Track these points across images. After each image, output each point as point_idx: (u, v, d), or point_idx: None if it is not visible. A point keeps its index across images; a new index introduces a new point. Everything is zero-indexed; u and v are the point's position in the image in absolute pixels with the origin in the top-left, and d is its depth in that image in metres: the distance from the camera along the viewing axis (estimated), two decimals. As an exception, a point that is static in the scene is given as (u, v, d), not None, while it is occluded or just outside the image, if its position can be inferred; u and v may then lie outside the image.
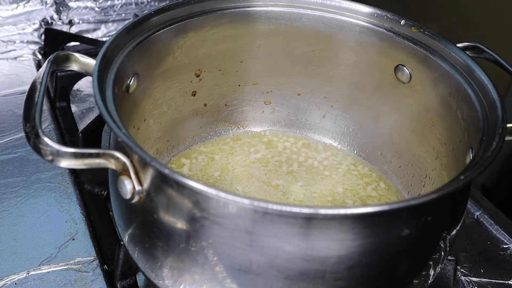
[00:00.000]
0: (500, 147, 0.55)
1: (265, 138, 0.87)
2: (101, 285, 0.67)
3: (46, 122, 0.91)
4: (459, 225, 0.60)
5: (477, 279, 0.75)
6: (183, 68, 0.76)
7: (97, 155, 0.52)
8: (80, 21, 1.18)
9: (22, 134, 0.78)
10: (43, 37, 1.11)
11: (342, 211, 0.49)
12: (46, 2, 1.15)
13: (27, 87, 0.56)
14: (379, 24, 0.74)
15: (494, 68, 0.68)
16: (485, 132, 0.59)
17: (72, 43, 1.11)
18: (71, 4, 1.17)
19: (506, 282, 0.75)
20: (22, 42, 1.11)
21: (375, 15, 0.74)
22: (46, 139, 0.50)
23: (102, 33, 1.19)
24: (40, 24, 1.14)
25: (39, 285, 0.67)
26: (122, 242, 0.64)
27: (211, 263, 0.52)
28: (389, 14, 0.74)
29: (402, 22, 0.73)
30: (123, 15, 1.21)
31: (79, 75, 0.97)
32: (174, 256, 0.54)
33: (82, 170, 0.82)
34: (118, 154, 0.52)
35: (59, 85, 0.96)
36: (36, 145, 0.51)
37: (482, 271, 0.76)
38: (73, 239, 0.73)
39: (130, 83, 0.66)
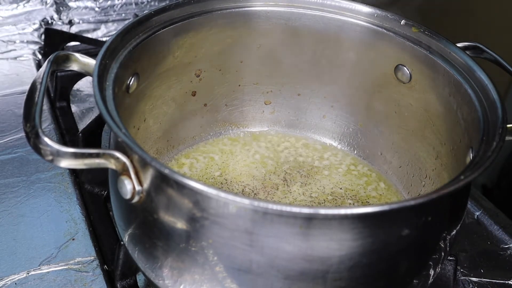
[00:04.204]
0: (500, 147, 0.55)
1: (265, 138, 0.87)
2: (101, 285, 0.67)
3: (46, 122, 0.91)
4: (459, 225, 0.60)
5: (477, 279, 0.75)
6: (183, 68, 0.76)
7: (97, 155, 0.52)
8: (80, 21, 1.18)
9: (22, 134, 0.78)
10: (43, 37, 1.11)
11: (342, 211, 0.49)
12: (46, 2, 1.15)
13: (27, 87, 0.56)
14: (379, 24, 0.74)
15: (494, 68, 0.68)
16: (485, 132, 0.59)
17: (72, 43, 1.11)
18: (71, 4, 1.17)
19: (506, 282, 0.75)
20: (22, 42, 1.11)
21: (375, 15, 0.74)
22: (46, 139, 0.50)
23: (102, 33, 1.19)
24: (40, 24, 1.14)
25: (39, 285, 0.67)
26: (122, 242, 0.64)
27: (211, 263, 0.52)
28: (389, 14, 0.74)
29: (402, 22, 0.73)
30: (123, 15, 1.21)
31: (79, 75, 0.96)
32: (174, 256, 0.54)
33: (82, 170, 0.82)
34: (118, 154, 0.52)
35: (59, 85, 0.96)
36: (36, 145, 0.51)
37: (482, 271, 0.76)
38: (73, 239, 0.73)
39: (130, 83, 0.66)
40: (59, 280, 0.67)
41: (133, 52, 0.64)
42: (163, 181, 0.51)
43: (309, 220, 0.49)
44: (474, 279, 0.75)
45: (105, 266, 0.70)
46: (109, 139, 0.63)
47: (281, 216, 0.48)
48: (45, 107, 0.94)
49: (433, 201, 0.49)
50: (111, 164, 0.52)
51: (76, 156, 0.51)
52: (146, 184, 0.52)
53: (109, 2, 1.20)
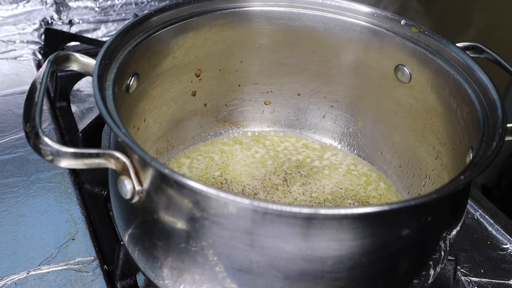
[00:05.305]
0: (500, 147, 0.55)
1: (265, 138, 0.87)
2: (101, 285, 0.67)
3: (46, 122, 0.91)
4: (459, 225, 0.60)
5: (477, 279, 0.75)
6: (183, 68, 0.76)
7: (97, 155, 0.52)
8: (80, 21, 1.18)
9: (22, 134, 0.78)
10: (43, 37, 1.11)
11: (342, 211, 0.49)
12: (46, 2, 1.15)
13: (27, 87, 0.56)
14: (379, 24, 0.74)
15: (494, 68, 0.68)
16: (485, 132, 0.59)
17: (72, 43, 1.11)
18: (71, 4, 1.17)
19: (506, 282, 0.75)
20: (22, 42, 1.11)
21: (375, 15, 0.74)
22: (46, 139, 0.50)
23: (102, 33, 1.19)
24: (40, 24, 1.14)
25: (39, 285, 0.67)
26: (122, 242, 0.64)
27: (211, 263, 0.52)
28: (389, 14, 0.74)
29: (402, 22, 0.73)
30: (123, 15, 1.21)
31: (79, 75, 0.97)
32: (174, 256, 0.54)
33: (82, 170, 0.82)
34: (118, 154, 0.52)
35: (59, 85, 0.96)
36: (36, 145, 0.51)
37: (482, 271, 0.76)
38: (73, 239, 0.73)
39: (130, 83, 0.66)
40: (59, 280, 0.67)
41: (133, 52, 0.64)
42: (163, 181, 0.51)
43: (309, 220, 0.49)
44: (474, 279, 0.75)
45: (105, 266, 0.70)
46: (109, 139, 0.63)
47: (281, 216, 0.48)
48: (45, 107, 0.94)
49: (433, 201, 0.49)
50: (111, 164, 0.52)
51: (76, 156, 0.51)
52: (146, 184, 0.52)
53: (109, 2, 1.20)
